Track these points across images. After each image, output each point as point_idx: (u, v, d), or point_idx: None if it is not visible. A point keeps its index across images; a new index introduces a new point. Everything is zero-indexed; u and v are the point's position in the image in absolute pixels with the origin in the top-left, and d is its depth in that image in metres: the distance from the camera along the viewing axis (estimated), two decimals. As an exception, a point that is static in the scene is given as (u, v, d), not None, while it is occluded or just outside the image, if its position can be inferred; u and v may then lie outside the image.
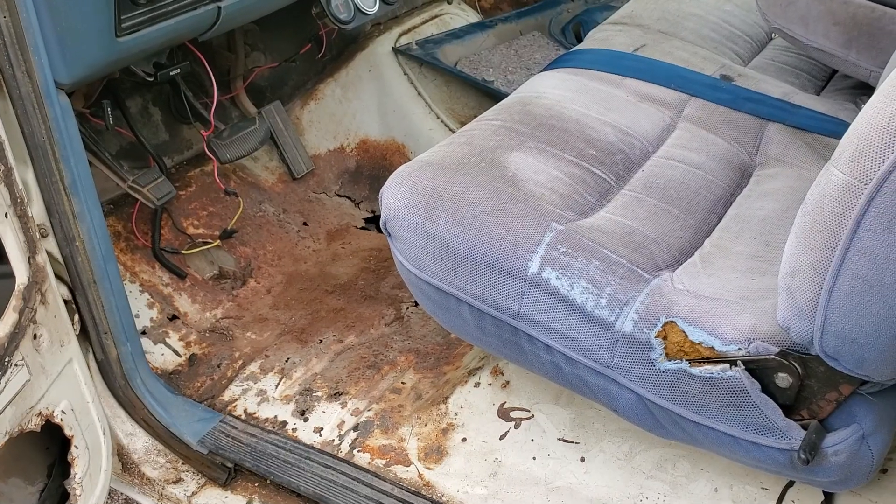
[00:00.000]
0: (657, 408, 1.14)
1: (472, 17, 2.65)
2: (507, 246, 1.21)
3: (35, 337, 1.27)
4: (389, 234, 1.34)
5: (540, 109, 1.49)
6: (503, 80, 2.36)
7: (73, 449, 1.36)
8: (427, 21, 2.52)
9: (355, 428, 1.54)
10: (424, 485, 1.42)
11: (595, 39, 1.82)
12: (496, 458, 1.43)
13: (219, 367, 1.73)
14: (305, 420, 1.58)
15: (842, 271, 0.91)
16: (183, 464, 1.56)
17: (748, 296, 1.13)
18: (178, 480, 1.55)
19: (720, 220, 1.36)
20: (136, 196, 1.79)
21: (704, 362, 1.08)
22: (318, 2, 1.88)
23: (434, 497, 1.39)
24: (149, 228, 1.91)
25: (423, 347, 1.72)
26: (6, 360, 1.18)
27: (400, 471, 1.45)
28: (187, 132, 2.14)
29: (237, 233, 2.03)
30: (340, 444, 1.52)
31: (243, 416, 1.61)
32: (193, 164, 2.12)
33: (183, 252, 1.93)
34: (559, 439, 1.43)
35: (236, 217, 2.04)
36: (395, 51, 2.36)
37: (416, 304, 1.82)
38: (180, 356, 1.75)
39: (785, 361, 1.04)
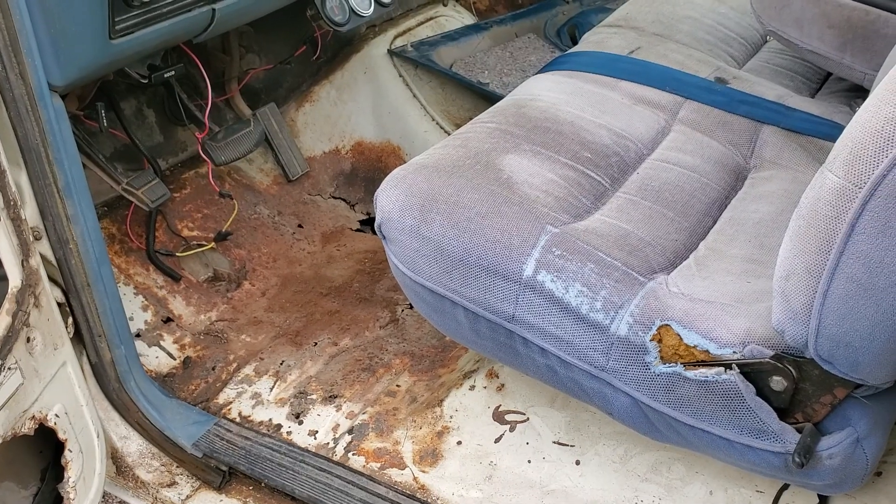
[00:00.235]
0: (652, 411, 1.14)
1: (468, 19, 2.65)
2: (501, 249, 1.21)
3: (28, 340, 1.26)
4: (384, 237, 1.34)
5: (535, 112, 1.49)
6: (498, 83, 2.36)
7: (66, 452, 1.36)
8: (422, 23, 2.52)
9: (350, 431, 1.54)
10: (419, 488, 1.42)
11: (590, 42, 1.82)
12: (491, 462, 1.43)
13: (213, 369, 1.73)
14: (300, 423, 1.58)
15: (836, 275, 0.91)
16: (177, 467, 1.56)
17: (743, 299, 1.13)
18: (172, 484, 1.55)
19: (715, 222, 1.36)
20: (131, 198, 1.78)
21: (699, 366, 1.08)
22: (313, 4, 1.88)
23: (429, 500, 1.39)
24: (143, 231, 1.91)
25: (418, 350, 1.71)
26: (-1, 363, 1.18)
27: (395, 474, 1.45)
28: (182, 134, 2.13)
29: (232, 235, 2.03)
30: (335, 447, 1.52)
31: (238, 419, 1.60)
32: (188, 166, 2.12)
33: (177, 254, 1.93)
34: (554, 442, 1.43)
35: (231, 219, 2.03)
36: (391, 53, 2.36)
37: (411, 307, 1.82)
38: (175, 359, 1.75)
39: (779, 365, 1.04)
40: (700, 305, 1.12)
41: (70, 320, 1.45)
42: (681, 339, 1.09)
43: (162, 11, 1.51)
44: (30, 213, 1.36)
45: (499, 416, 1.49)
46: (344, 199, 2.32)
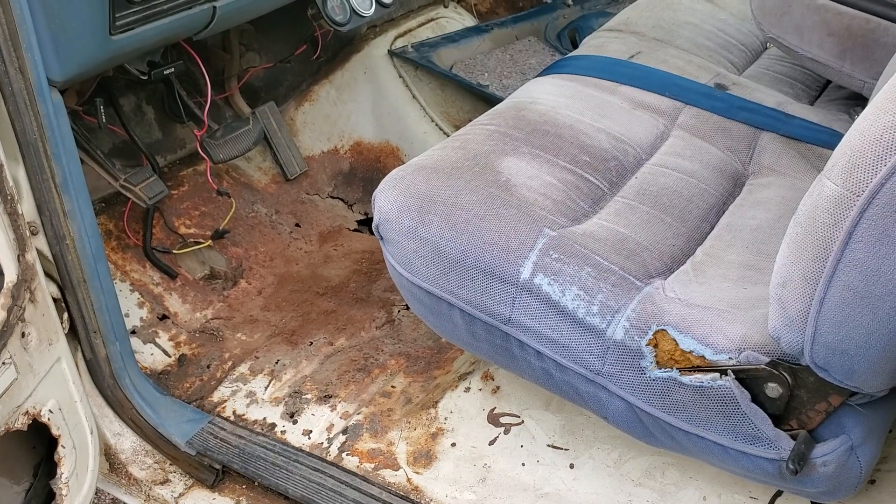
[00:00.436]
0: (647, 416, 1.14)
1: (469, 21, 2.65)
2: (499, 251, 1.21)
3: (23, 335, 1.26)
4: (382, 238, 1.34)
5: (534, 115, 1.49)
6: (498, 85, 2.36)
7: (59, 448, 1.35)
8: (423, 24, 2.52)
9: (344, 431, 1.54)
10: (413, 489, 1.42)
11: (590, 46, 1.82)
12: (485, 464, 1.43)
13: (208, 367, 1.72)
14: (294, 422, 1.58)
15: (833, 282, 0.91)
16: (170, 465, 1.56)
17: (739, 305, 1.13)
18: (165, 481, 1.55)
19: (712, 228, 1.36)
20: (128, 195, 1.78)
21: (695, 371, 1.08)
22: (314, 3, 1.87)
23: (422, 502, 1.39)
24: (140, 227, 1.90)
25: (414, 351, 1.71)
26: (-7, 358, 1.18)
27: (388, 475, 1.44)
28: (180, 131, 2.13)
29: (229, 233, 2.02)
30: (329, 447, 1.51)
31: (232, 418, 1.60)
32: (186, 163, 2.11)
33: (174, 252, 1.92)
34: (548, 445, 1.43)
35: (228, 217, 2.03)
36: (391, 53, 2.36)
37: (408, 308, 1.82)
38: (170, 356, 1.74)
39: (775, 371, 1.04)
40: (696, 311, 1.12)
41: (65, 316, 1.44)
42: (677, 344, 1.09)
43: (163, 8, 1.51)
44: (27, 207, 1.36)
45: (493, 419, 1.49)
46: (342, 199, 2.32)
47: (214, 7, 1.61)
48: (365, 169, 2.35)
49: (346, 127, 2.37)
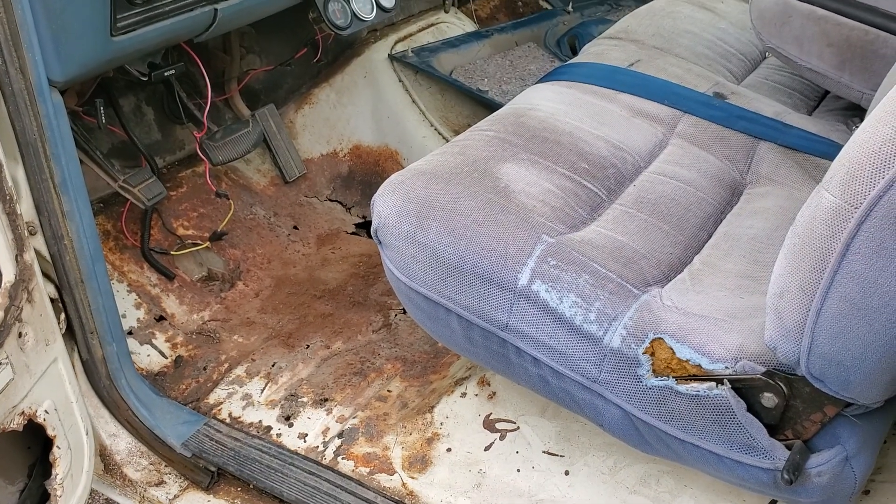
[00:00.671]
0: (643, 424, 1.14)
1: (469, 26, 2.66)
2: (497, 257, 1.21)
3: (20, 335, 1.26)
4: (380, 242, 1.34)
5: (533, 121, 1.49)
6: (498, 90, 2.36)
7: (55, 449, 1.35)
8: (423, 29, 2.53)
9: (340, 435, 1.54)
10: (408, 494, 1.42)
11: (590, 53, 1.83)
12: (480, 470, 1.43)
13: (205, 369, 1.72)
14: (290, 426, 1.57)
15: (830, 294, 0.92)
16: (166, 466, 1.55)
17: (736, 314, 1.13)
18: (160, 483, 1.54)
19: (710, 237, 1.36)
20: (127, 196, 1.78)
21: (691, 380, 1.08)
22: (315, 7, 1.88)
23: (417, 506, 1.39)
24: (138, 228, 1.90)
25: (411, 355, 1.71)
26: (-10, 358, 1.17)
27: (384, 479, 1.45)
28: (180, 132, 2.13)
29: (227, 235, 2.02)
30: (325, 450, 1.51)
31: (228, 420, 1.60)
32: (185, 164, 2.11)
33: (172, 253, 1.92)
34: (544, 452, 1.43)
35: (227, 219, 2.03)
36: (391, 58, 2.36)
37: (405, 312, 1.82)
38: (166, 358, 1.74)
39: (771, 381, 1.04)
40: (693, 320, 1.12)
41: (62, 316, 1.44)
42: (673, 352, 1.09)
43: (164, 10, 1.51)
44: (25, 207, 1.36)
45: (489, 424, 1.49)
46: (340, 202, 2.32)
47: (216, 9, 1.61)
48: (364, 172, 2.35)
49: (345, 130, 2.37)
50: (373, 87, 2.36)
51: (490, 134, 1.46)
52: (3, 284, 1.22)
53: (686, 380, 1.08)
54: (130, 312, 1.78)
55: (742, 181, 1.50)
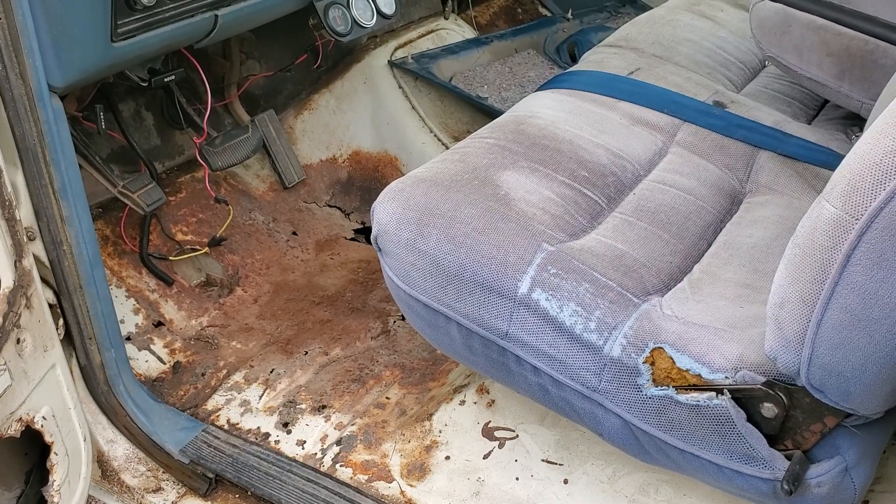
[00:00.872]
0: (642, 433, 1.14)
1: (469, 33, 2.66)
2: (497, 265, 1.21)
3: (18, 341, 1.25)
4: (380, 250, 1.34)
5: (533, 129, 1.49)
6: (497, 97, 2.37)
7: (52, 455, 1.35)
8: (423, 35, 2.53)
9: (338, 442, 1.54)
10: (406, 502, 1.41)
11: (590, 61, 1.83)
12: (479, 478, 1.42)
13: (203, 375, 1.72)
14: (288, 432, 1.57)
15: (830, 304, 0.92)
16: (163, 473, 1.55)
17: (736, 324, 1.13)
18: (157, 489, 1.54)
19: (709, 246, 1.36)
20: (126, 201, 1.78)
21: (691, 389, 1.08)
22: (316, 13, 1.88)
23: (415, 515, 1.39)
24: (137, 233, 1.90)
25: (409, 362, 1.71)
26: (-12, 364, 1.17)
27: (382, 487, 1.44)
28: (179, 138, 2.13)
29: (226, 240, 2.02)
30: (323, 458, 1.51)
31: (226, 427, 1.60)
32: (184, 169, 2.11)
33: (170, 258, 1.92)
34: (543, 460, 1.43)
35: (226, 225, 2.03)
36: (391, 64, 2.36)
37: (403, 318, 1.82)
38: (164, 363, 1.74)
39: (771, 391, 1.04)
40: (693, 329, 1.12)
41: (61, 322, 1.44)
42: (673, 362, 1.09)
43: (164, 16, 1.51)
44: (24, 213, 1.36)
45: (488, 433, 1.49)
46: (339, 208, 2.32)
47: (216, 16, 1.61)
48: (363, 178, 2.35)
49: (344, 136, 2.37)
50: (372, 94, 2.36)
51: (490, 141, 1.46)
52: (1, 290, 1.21)
53: (686, 389, 1.08)
54: (129, 318, 1.78)
55: (742, 190, 1.51)
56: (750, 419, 1.07)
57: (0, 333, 1.19)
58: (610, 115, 1.59)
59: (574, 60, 2.64)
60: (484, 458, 1.45)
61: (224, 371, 1.73)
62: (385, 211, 1.32)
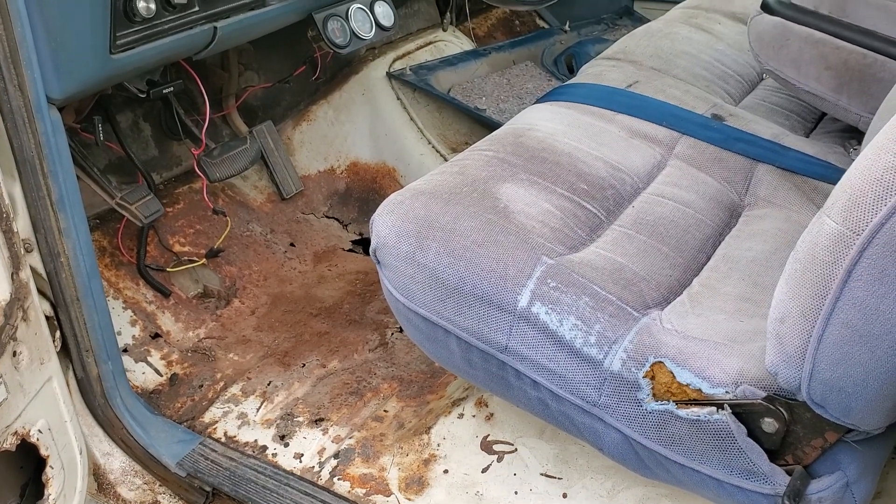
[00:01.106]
0: (643, 448, 1.14)
1: (467, 44, 2.66)
2: (497, 279, 1.21)
3: (14, 354, 1.24)
4: (379, 262, 1.33)
5: (532, 142, 1.49)
6: (495, 109, 2.37)
7: (47, 469, 1.34)
8: (421, 47, 2.53)
9: (336, 455, 1.53)
10: (404, 516, 1.41)
11: (589, 74, 1.83)
12: (478, 492, 1.42)
13: (200, 388, 1.71)
14: (286, 445, 1.56)
15: (831, 320, 0.91)
16: (160, 486, 1.54)
17: (736, 338, 1.13)
18: (154, 503, 1.53)
19: (709, 259, 1.36)
20: (124, 213, 1.77)
21: (691, 404, 1.07)
22: (315, 25, 1.88)
23: (414, 529, 1.38)
24: (134, 244, 1.90)
25: (407, 375, 1.71)
26: (-16, 378, 1.16)
27: (380, 501, 1.43)
28: (177, 148, 2.13)
29: (223, 252, 2.01)
30: (321, 471, 1.50)
31: (223, 439, 1.59)
32: (182, 180, 2.11)
33: (168, 269, 1.91)
34: (542, 474, 1.42)
35: (223, 236, 2.02)
36: (389, 75, 2.36)
37: (401, 330, 1.81)
38: (161, 375, 1.73)
39: (771, 406, 1.04)
40: (693, 343, 1.12)
41: (58, 334, 1.43)
42: (674, 376, 1.09)
43: (163, 28, 1.51)
44: (22, 225, 1.35)
45: (487, 446, 1.48)
46: (337, 219, 2.32)
47: (215, 28, 1.61)
48: (361, 189, 2.35)
49: (342, 147, 2.37)
50: (371, 105, 2.36)
51: (489, 154, 1.46)
52: (-2, 303, 1.21)
53: (686, 404, 1.08)
54: (126, 330, 1.77)
55: (740, 203, 1.51)
56: (750, 434, 1.06)
57: (-4, 346, 1.19)
58: (609, 128, 1.59)
59: (572, 72, 2.65)
60: (482, 472, 1.44)
61: (221, 383, 1.72)
62: (384, 223, 1.31)
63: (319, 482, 1.48)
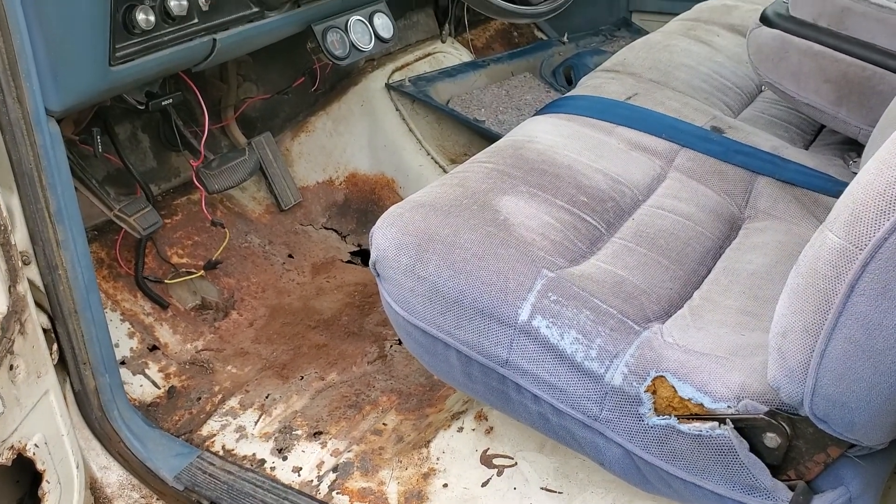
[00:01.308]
0: (644, 463, 1.13)
1: (465, 56, 2.66)
2: (497, 292, 1.20)
3: (11, 368, 1.24)
4: (378, 275, 1.33)
5: (532, 154, 1.49)
6: (494, 120, 2.37)
7: (44, 483, 1.33)
8: (420, 58, 2.53)
9: (335, 469, 1.52)
10: (404, 530, 1.40)
11: (588, 86, 1.83)
12: (477, 506, 1.41)
13: (198, 400, 1.70)
14: (284, 459, 1.55)
15: (834, 335, 0.91)
16: (158, 500, 1.53)
17: (738, 352, 1.12)
18: (151, 517, 1.52)
19: (709, 272, 1.36)
20: (122, 225, 1.77)
21: (693, 419, 1.07)
22: (314, 37, 1.88)
23: (413, 544, 1.37)
24: (132, 256, 1.89)
25: (406, 388, 1.70)
26: (-20, 392, 1.15)
27: (379, 515, 1.43)
28: (175, 160, 2.13)
29: (221, 263, 2.01)
30: (319, 485, 1.49)
31: (221, 453, 1.58)
32: (180, 192, 2.10)
33: (166, 281, 1.91)
34: (542, 489, 1.41)
35: (221, 248, 2.01)
36: (388, 87, 2.36)
37: (400, 343, 1.80)
38: (159, 388, 1.72)
39: (773, 421, 1.03)
40: (695, 357, 1.11)
41: (55, 347, 1.42)
42: (675, 391, 1.08)
43: (163, 40, 1.51)
44: (20, 237, 1.35)
45: (486, 460, 1.47)
46: (335, 230, 2.31)
47: (215, 40, 1.61)
48: (359, 200, 2.35)
49: (341, 158, 2.37)
50: (370, 116, 2.36)
51: (489, 166, 1.45)
52: (-5, 316, 1.20)
53: (688, 419, 1.07)
54: (123, 342, 1.76)
55: (740, 216, 1.50)
56: (752, 449, 1.06)
57: (-7, 360, 1.18)
58: (608, 140, 1.59)
59: (570, 84, 2.65)
60: (482, 486, 1.43)
61: (219, 396, 1.71)
62: (384, 236, 1.31)
63: (318, 496, 1.47)
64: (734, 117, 1.84)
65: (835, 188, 1.55)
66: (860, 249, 0.86)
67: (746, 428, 1.05)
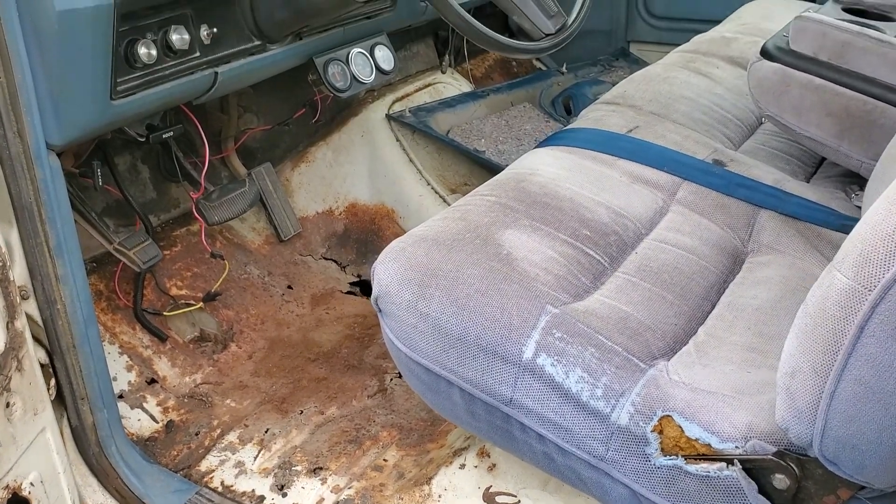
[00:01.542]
0: (651, 504, 1.12)
1: (465, 86, 2.67)
2: (501, 329, 1.19)
3: (8, 405, 1.22)
4: (380, 311, 1.32)
5: (534, 187, 1.49)
6: (494, 150, 2.37)
7: (39, 523, 1.31)
8: (420, 89, 2.54)
9: (335, 506, 1.50)
10: (405, 570, 1.37)
11: (589, 118, 1.84)
12: (480, 545, 1.39)
13: (196, 435, 1.68)
14: (284, 495, 1.53)
15: (844, 376, 0.90)
16: (154, 538, 1.51)
17: (744, 390, 1.11)
18: (147, 556, 1.49)
19: (713, 307, 1.35)
20: (122, 258, 1.75)
21: (701, 460, 1.05)
22: (315, 69, 1.88)
23: (415, 584, 1.35)
24: (131, 288, 1.87)
25: (407, 423, 1.68)
26: (-23, 430, 1.14)
27: (380, 554, 1.40)
28: (175, 191, 2.12)
29: (220, 295, 1.99)
30: (319, 523, 1.47)
31: (220, 489, 1.56)
32: (180, 223, 2.09)
33: (164, 313, 1.89)
34: (546, 527, 1.39)
35: (221, 279, 2.00)
36: (389, 117, 2.37)
37: (400, 376, 1.78)
38: (157, 422, 1.70)
39: (782, 462, 1.02)
40: (702, 396, 1.10)
41: (52, 382, 1.41)
42: (682, 431, 1.07)
43: (164, 74, 1.51)
44: (18, 272, 1.33)
45: (489, 498, 1.45)
46: (335, 261, 2.30)
47: (216, 73, 1.61)
48: (359, 231, 2.34)
49: (341, 188, 2.36)
50: (370, 146, 2.36)
51: (491, 199, 1.45)
52: (-8, 353, 1.19)
53: (696, 459, 1.06)
54: (121, 375, 1.75)
55: (744, 250, 1.50)
56: (761, 490, 1.04)
57: (-10, 398, 1.16)
58: (610, 173, 1.58)
59: (569, 113, 2.66)
60: (485, 524, 1.42)
61: (218, 430, 1.69)
62: (386, 271, 1.30)
63: (318, 534, 1.45)
64: (735, 149, 1.84)
65: (838, 222, 1.55)
66: (869, 290, 0.86)
67: (755, 469, 1.04)
